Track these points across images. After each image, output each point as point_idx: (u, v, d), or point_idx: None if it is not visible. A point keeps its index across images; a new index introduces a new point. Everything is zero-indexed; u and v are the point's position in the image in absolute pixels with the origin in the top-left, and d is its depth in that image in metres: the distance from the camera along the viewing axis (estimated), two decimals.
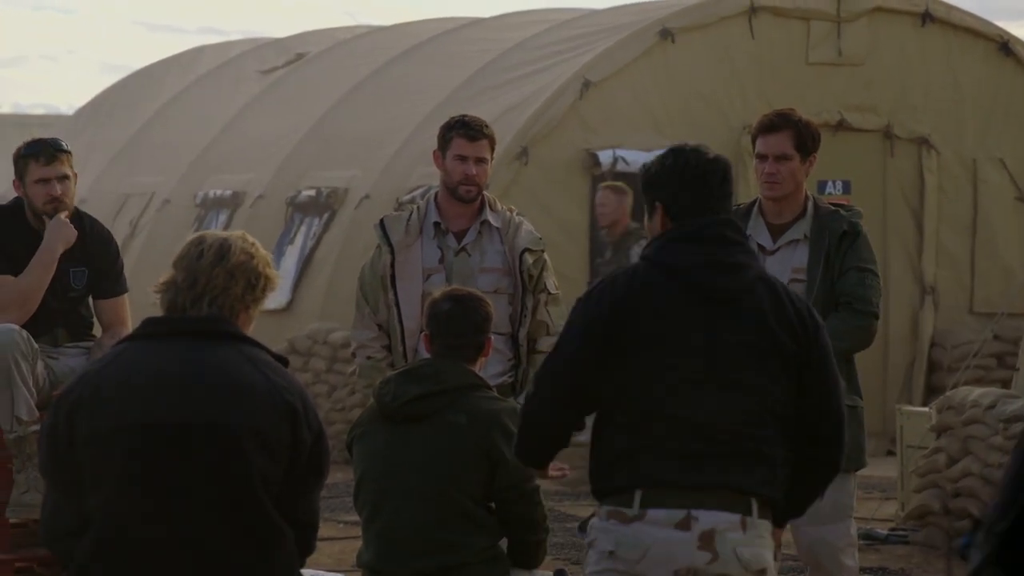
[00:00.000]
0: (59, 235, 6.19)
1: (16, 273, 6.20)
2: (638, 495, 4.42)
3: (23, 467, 6.02)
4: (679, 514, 4.40)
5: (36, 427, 5.99)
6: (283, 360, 4.14)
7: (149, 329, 4.11)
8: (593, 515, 4.62)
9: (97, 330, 6.45)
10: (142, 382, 4.01)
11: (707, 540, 4.40)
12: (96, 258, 6.37)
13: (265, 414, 4.00)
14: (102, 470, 4.00)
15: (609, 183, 12.63)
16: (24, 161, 6.25)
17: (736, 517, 4.42)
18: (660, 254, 4.55)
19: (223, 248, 4.08)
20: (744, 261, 4.54)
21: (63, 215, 6.23)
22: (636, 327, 4.46)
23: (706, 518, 4.41)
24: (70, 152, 6.30)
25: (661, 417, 4.43)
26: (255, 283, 4.10)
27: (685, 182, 4.57)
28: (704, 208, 4.55)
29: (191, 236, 4.19)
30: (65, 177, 6.23)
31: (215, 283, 4.06)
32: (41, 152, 6.22)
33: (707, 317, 4.47)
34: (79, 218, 6.36)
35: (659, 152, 4.77)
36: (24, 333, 6.06)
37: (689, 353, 4.45)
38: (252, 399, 4.01)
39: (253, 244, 4.14)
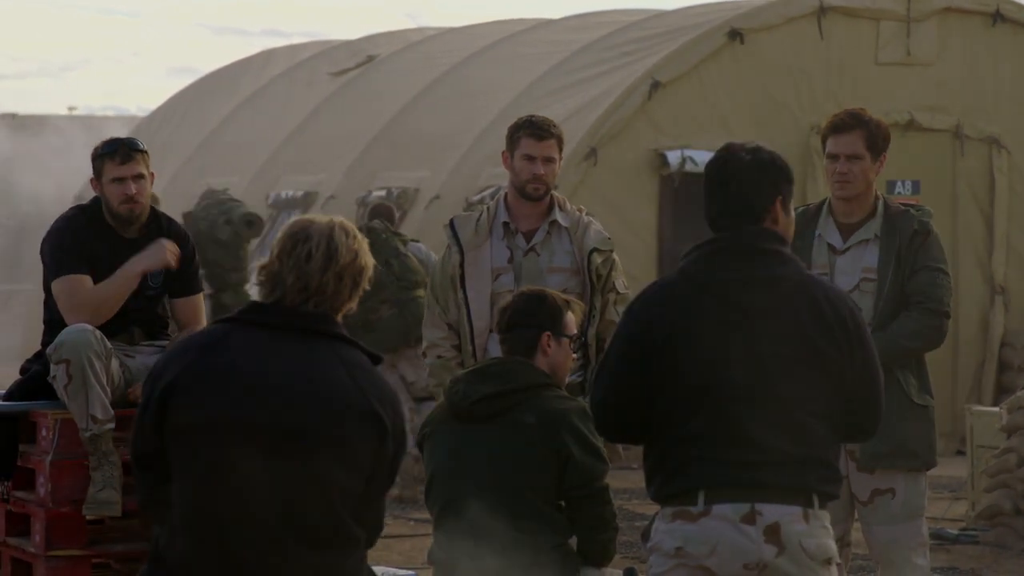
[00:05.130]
0: (153, 259, 6.21)
1: (94, 272, 6.24)
2: (702, 494, 4.46)
3: (99, 465, 6.05)
4: (744, 507, 4.44)
5: (111, 425, 6.04)
6: (376, 359, 4.10)
7: (257, 316, 4.06)
8: (652, 523, 4.64)
9: (172, 329, 6.49)
10: (238, 378, 3.99)
11: (773, 533, 4.44)
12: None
13: (351, 424, 3.99)
14: (186, 460, 4.01)
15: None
16: (101, 160, 6.29)
17: (798, 509, 4.46)
18: (696, 269, 4.54)
19: (330, 249, 4.04)
20: (781, 272, 4.52)
21: (168, 243, 6.25)
22: (675, 346, 4.48)
23: (770, 511, 4.44)
24: (146, 152, 6.34)
25: (713, 433, 4.46)
26: (359, 281, 4.08)
27: (712, 184, 4.58)
28: (726, 210, 4.54)
29: (291, 223, 4.11)
30: (140, 176, 6.27)
31: (325, 288, 4.03)
32: (117, 151, 6.26)
33: (746, 332, 4.47)
34: (156, 217, 6.40)
35: None
36: (97, 333, 6.09)
37: (731, 370, 4.46)
38: (340, 408, 3.99)
39: (355, 238, 4.08)
